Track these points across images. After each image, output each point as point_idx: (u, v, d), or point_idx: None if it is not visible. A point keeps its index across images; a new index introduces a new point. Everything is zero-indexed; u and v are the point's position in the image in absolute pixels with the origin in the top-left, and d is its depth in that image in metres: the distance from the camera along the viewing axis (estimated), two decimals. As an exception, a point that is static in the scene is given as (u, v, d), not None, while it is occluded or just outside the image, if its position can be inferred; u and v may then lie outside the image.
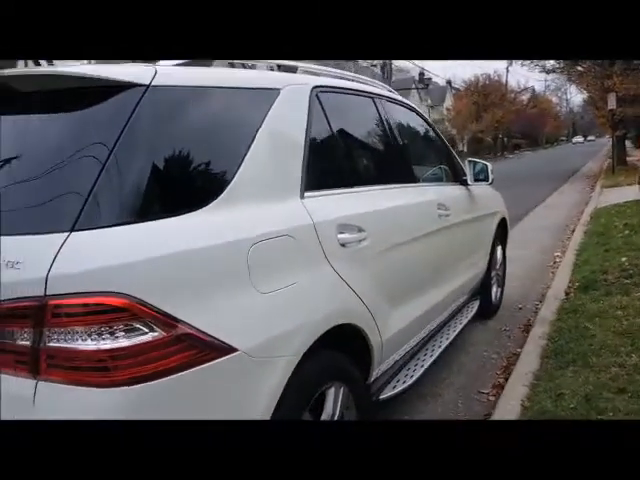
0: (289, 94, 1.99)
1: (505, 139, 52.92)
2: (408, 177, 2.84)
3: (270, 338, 1.56)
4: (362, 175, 2.52)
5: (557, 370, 2.96)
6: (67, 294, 1.23)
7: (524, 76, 63.82)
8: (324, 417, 1.91)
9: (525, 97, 52.83)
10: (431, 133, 3.52)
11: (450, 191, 3.36)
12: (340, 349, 1.98)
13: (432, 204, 2.91)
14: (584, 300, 4.08)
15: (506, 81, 46.40)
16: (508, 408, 2.69)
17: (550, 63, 19.55)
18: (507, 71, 44.44)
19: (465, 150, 49.24)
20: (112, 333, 1.24)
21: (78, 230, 1.27)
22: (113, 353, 1.24)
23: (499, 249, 4.50)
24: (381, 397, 2.44)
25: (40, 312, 1.23)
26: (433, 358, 2.92)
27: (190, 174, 1.55)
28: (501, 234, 4.47)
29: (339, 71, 2.69)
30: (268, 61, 2.23)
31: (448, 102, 52.97)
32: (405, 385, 2.59)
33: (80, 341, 1.24)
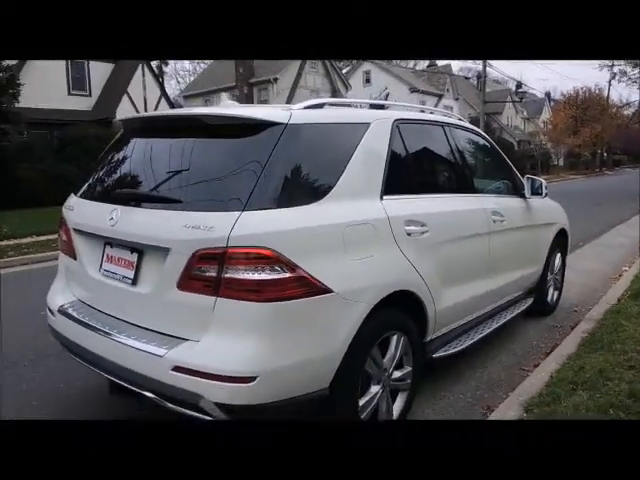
0: (376, 126, 2.83)
1: (605, 154, 50.81)
2: (467, 189, 3.61)
3: (354, 288, 2.40)
4: (428, 185, 3.33)
5: (586, 354, 3.59)
6: (239, 246, 2.13)
7: (628, 90, 60.55)
8: (388, 356, 2.73)
9: (628, 112, 50.43)
10: (494, 153, 4.24)
11: (507, 202, 4.06)
12: (404, 309, 2.78)
13: (487, 211, 3.64)
14: (630, 305, 4.61)
15: (607, 95, 44.59)
16: (538, 377, 3.37)
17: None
18: (609, 85, 42.57)
19: (561, 164, 47.82)
20: (262, 270, 2.13)
21: (246, 211, 2.17)
22: (262, 282, 2.13)
23: (558, 256, 5.08)
24: (434, 355, 3.21)
25: (223, 256, 2.14)
26: (481, 336, 3.64)
27: (311, 179, 2.43)
28: (560, 243, 5.05)
29: (419, 106, 3.50)
30: (365, 101, 3.10)
31: (545, 115, 51.68)
32: (454, 351, 3.34)
33: (244, 274, 2.13)
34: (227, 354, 2.15)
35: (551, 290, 5.03)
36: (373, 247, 2.56)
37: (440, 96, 37.97)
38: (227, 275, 2.15)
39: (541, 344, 4.33)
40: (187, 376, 2.15)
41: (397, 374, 2.82)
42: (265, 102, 26.02)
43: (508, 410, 2.98)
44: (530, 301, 4.56)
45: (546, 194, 4.33)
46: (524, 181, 4.31)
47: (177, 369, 2.18)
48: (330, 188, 2.46)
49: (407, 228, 2.79)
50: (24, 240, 9.62)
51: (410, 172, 3.11)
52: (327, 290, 2.27)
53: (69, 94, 21.76)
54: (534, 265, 4.56)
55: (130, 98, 22.28)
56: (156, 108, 22.52)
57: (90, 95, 22.74)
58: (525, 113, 53.10)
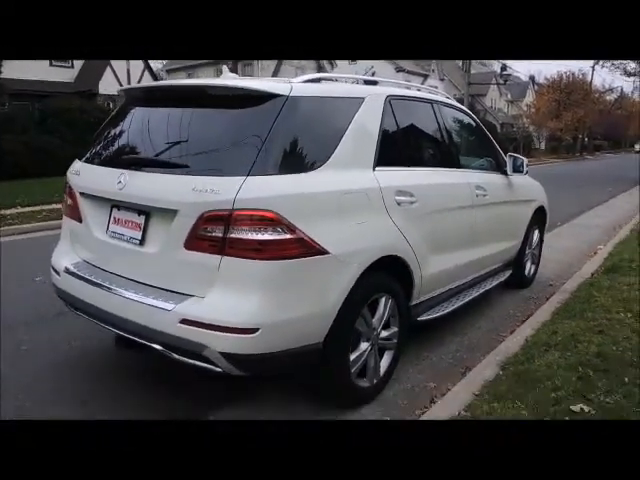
0: (370, 100, 3.00)
1: (586, 139, 51.49)
2: (453, 163, 3.81)
3: (348, 251, 2.59)
4: (417, 159, 3.52)
5: (559, 321, 3.85)
6: (244, 208, 2.30)
7: (612, 76, 61.17)
8: (376, 316, 2.93)
9: (611, 97, 51.06)
10: (479, 131, 4.44)
11: (490, 177, 4.27)
12: (392, 274, 2.99)
13: (471, 185, 3.84)
14: (602, 279, 4.89)
15: (591, 80, 45.04)
16: (514, 341, 3.62)
17: (631, 65, 19.34)
18: (593, 70, 42.96)
19: (543, 148, 48.37)
20: (265, 231, 2.31)
21: (251, 175, 2.34)
22: (264, 242, 2.31)
23: (536, 232, 5.33)
24: (419, 318, 3.42)
25: (229, 217, 2.31)
26: (462, 302, 3.87)
27: (310, 148, 2.59)
28: (539, 219, 5.30)
29: (408, 83, 3.67)
30: (359, 77, 3.26)
31: (529, 98, 52.03)
32: (437, 315, 3.56)
33: (248, 234, 2.31)
34: (232, 308, 2.33)
35: (529, 264, 5.28)
36: (366, 214, 2.75)
37: (425, 76, 38.06)
38: (232, 235, 2.32)
39: (517, 313, 4.59)
40: (194, 328, 2.34)
41: (385, 333, 3.03)
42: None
43: (485, 369, 3.23)
44: (508, 273, 4.80)
45: (527, 172, 4.56)
46: (506, 159, 4.51)
47: (184, 321, 2.36)
48: (327, 158, 2.63)
49: (397, 198, 2.98)
50: (8, 211, 9.57)
51: (400, 146, 3.29)
52: (324, 251, 2.46)
53: (51, 65, 21.41)
54: (513, 239, 4.80)
55: (113, 70, 21.99)
56: (139, 81, 22.27)
57: (72, 67, 22.43)
58: (509, 96, 53.47)
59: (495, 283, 4.48)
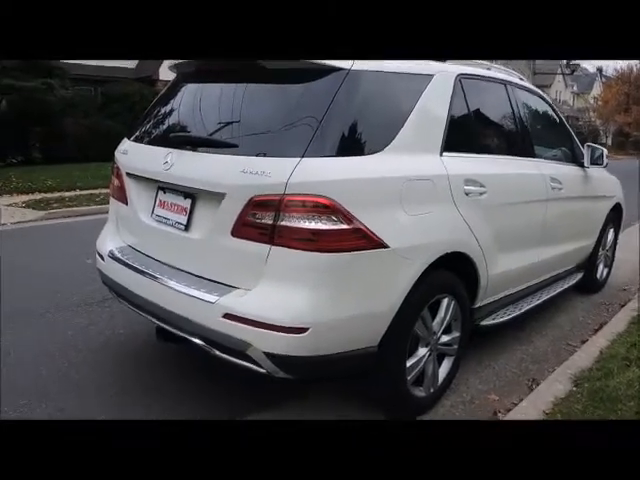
0: (440, 78, 2.70)
1: (656, 135, 48.75)
2: (527, 152, 3.44)
3: (410, 245, 2.32)
4: (488, 145, 3.19)
5: (636, 331, 3.45)
6: (297, 194, 2.06)
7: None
8: (437, 319, 2.65)
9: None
10: (555, 118, 4.05)
11: (566, 169, 3.88)
12: (456, 273, 2.69)
13: (545, 177, 3.48)
14: (684, 286, 4.41)
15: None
16: (587, 353, 3.26)
17: None
18: (668, 61, 40.49)
19: (609, 143, 46.16)
20: (319, 220, 2.07)
21: (306, 157, 2.10)
22: (318, 232, 2.07)
23: (611, 231, 4.89)
24: (482, 323, 3.12)
25: (279, 203, 2.08)
26: (530, 307, 3.53)
27: (371, 128, 2.33)
28: (615, 218, 4.85)
29: (480, 61, 3.34)
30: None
31: (596, 90, 49.71)
32: (502, 320, 3.24)
33: (300, 223, 2.07)
34: (280, 304, 2.11)
35: (601, 266, 4.86)
36: (431, 205, 2.46)
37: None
38: (283, 223, 2.09)
39: (588, 320, 4.20)
40: (237, 324, 2.13)
41: (445, 338, 2.75)
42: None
43: (555, 384, 2.90)
44: (579, 276, 4.41)
45: (607, 164, 4.12)
46: (584, 149, 4.11)
47: (227, 316, 2.15)
48: (390, 139, 2.35)
49: (466, 188, 2.68)
50: (67, 193, 9.72)
51: (471, 130, 2.97)
52: (383, 245, 2.19)
53: (113, 51, 21.76)
54: (587, 239, 4.39)
55: (173, 57, 22.16)
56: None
57: (134, 53, 22.73)
58: (575, 88, 51.16)
59: (565, 287, 4.10)
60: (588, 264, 4.56)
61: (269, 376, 2.23)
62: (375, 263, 2.21)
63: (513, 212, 3.10)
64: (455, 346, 2.84)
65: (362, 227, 2.13)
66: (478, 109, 3.05)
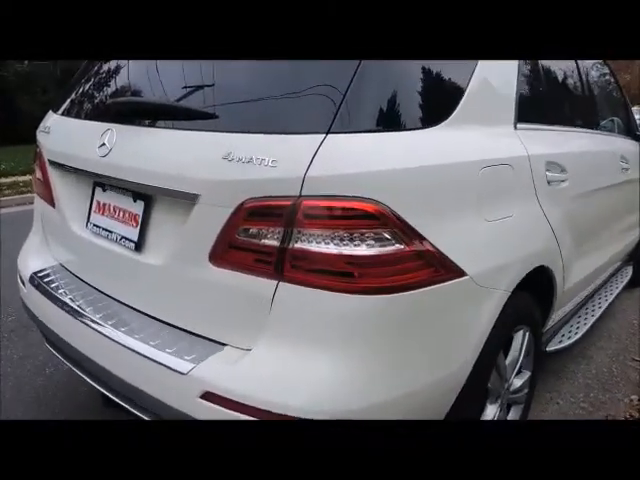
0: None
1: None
2: (594, 124, 2.64)
3: (492, 267, 1.49)
4: (560, 115, 2.36)
5: None
6: (322, 196, 1.21)
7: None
8: (509, 360, 1.86)
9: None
10: (613, 83, 3.24)
11: (628, 145, 3.10)
12: (532, 292, 1.89)
13: (616, 155, 2.69)
14: None
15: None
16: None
17: None
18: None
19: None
20: (361, 239, 1.22)
21: (332, 134, 1.24)
22: (361, 260, 1.22)
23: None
24: (548, 349, 2.35)
25: (293, 212, 1.22)
26: (595, 317, 2.78)
27: (426, 94, 1.47)
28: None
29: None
30: None
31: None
32: (570, 341, 2.48)
33: (329, 244, 1.22)
34: (294, 378, 1.27)
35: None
36: (512, 202, 1.63)
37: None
38: (298, 245, 1.24)
39: (645, 324, 3.48)
40: (226, 410, 1.29)
41: (517, 383, 1.96)
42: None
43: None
44: (630, 270, 3.67)
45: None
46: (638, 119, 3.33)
47: (208, 397, 1.31)
48: (452, 107, 1.51)
49: (548, 174, 1.86)
50: (22, 178, 9.04)
51: (542, 96, 2.13)
52: (459, 272, 1.36)
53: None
54: (636, 226, 3.64)
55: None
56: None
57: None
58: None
59: (621, 287, 3.35)
60: (635, 256, 3.82)
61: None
62: (448, 303, 1.38)
63: (592, 204, 2.30)
64: (526, 390, 2.05)
65: (430, 248, 1.29)
66: (547, 70, 2.21)
